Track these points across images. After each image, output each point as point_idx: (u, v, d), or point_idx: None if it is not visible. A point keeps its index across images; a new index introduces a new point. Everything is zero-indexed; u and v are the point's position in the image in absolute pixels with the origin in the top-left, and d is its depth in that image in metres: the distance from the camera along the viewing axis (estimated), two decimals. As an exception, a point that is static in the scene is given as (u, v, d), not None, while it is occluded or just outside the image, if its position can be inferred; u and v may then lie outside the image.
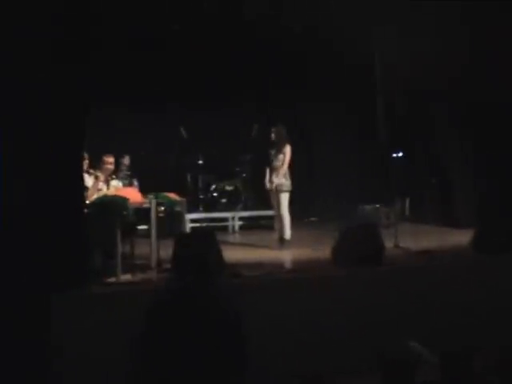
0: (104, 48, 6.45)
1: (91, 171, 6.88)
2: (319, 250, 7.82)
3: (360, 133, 12.21)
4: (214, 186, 11.91)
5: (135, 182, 7.02)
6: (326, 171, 12.63)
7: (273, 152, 8.71)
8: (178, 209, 7.03)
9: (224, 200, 11.83)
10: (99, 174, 6.85)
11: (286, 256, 7.94)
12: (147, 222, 6.73)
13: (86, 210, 5.94)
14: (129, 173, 10.65)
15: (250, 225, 11.73)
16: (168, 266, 6.30)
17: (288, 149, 8.58)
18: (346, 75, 10.62)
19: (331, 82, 11.02)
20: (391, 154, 10.26)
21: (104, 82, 9.36)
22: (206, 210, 11.68)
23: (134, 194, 6.61)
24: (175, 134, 11.38)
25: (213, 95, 11.40)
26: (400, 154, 9.73)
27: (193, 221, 11.13)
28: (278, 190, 8.50)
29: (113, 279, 6.01)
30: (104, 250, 6.28)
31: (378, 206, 11.15)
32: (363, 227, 6.89)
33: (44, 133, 5.01)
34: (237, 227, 11.46)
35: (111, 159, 7.17)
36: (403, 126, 11.23)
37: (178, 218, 9.51)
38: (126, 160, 10.92)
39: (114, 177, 7.26)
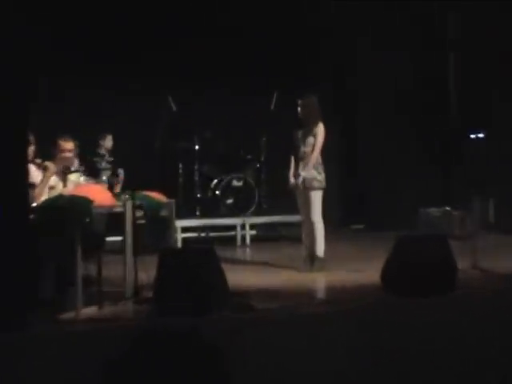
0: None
1: (38, 161, 6.87)
2: (363, 271, 7.87)
3: (423, 106, 12.17)
4: (216, 181, 11.91)
5: (121, 173, 6.96)
6: (375, 161, 12.62)
7: (300, 133, 8.67)
8: (163, 213, 7.00)
9: (230, 200, 11.84)
10: (50, 164, 6.82)
11: (317, 281, 7.94)
12: (120, 232, 6.73)
13: (31, 217, 5.89)
14: (111, 159, 10.74)
15: (266, 235, 11.76)
16: (149, 294, 6.28)
17: (321, 129, 8.53)
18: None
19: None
20: (468, 135, 10.19)
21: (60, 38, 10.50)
22: (205, 215, 11.73)
23: (100, 194, 6.58)
24: (161, 108, 11.45)
25: (214, 57, 11.63)
26: (481, 135, 9.63)
27: (186, 229, 11.18)
28: (306, 187, 8.48)
29: (71, 314, 5.99)
30: (59, 272, 6.25)
31: (448, 209, 11.10)
32: (427, 239, 6.88)
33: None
34: (248, 238, 11.48)
35: (69, 145, 7.14)
36: (486, 95, 11.19)
37: (164, 227, 9.51)
38: (108, 141, 11.01)
39: (73, 169, 7.23)
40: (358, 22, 12.26)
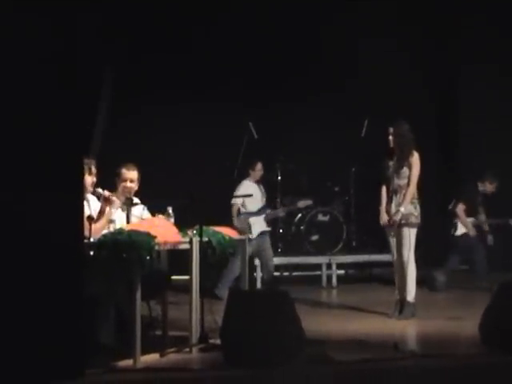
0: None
1: (100, 191, 6.73)
2: (461, 319, 7.70)
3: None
4: (299, 216, 11.84)
5: (170, 211, 6.88)
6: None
7: (392, 164, 8.51)
8: (231, 250, 6.91)
9: (315, 237, 11.74)
10: (111, 195, 6.76)
11: (407, 329, 7.78)
12: (187, 270, 6.62)
13: (89, 253, 5.90)
14: None
15: (355, 275, 11.73)
16: (217, 340, 6.24)
17: (416, 160, 8.36)
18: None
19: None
20: None
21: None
22: (288, 252, 11.65)
23: (165, 229, 6.45)
24: (240, 135, 11.49)
25: (298, 78, 11.67)
26: None
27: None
28: (401, 224, 8.30)
29: (129, 361, 5.93)
30: (117, 316, 6.24)
31: None
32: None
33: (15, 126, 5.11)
34: (334, 279, 11.35)
35: (133, 174, 7.08)
36: None
37: (235, 266, 9.42)
38: None
39: (136, 201, 7.15)
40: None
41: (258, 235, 10.13)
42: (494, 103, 11.91)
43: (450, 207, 10.69)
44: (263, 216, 10.27)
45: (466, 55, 12.35)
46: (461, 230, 10.54)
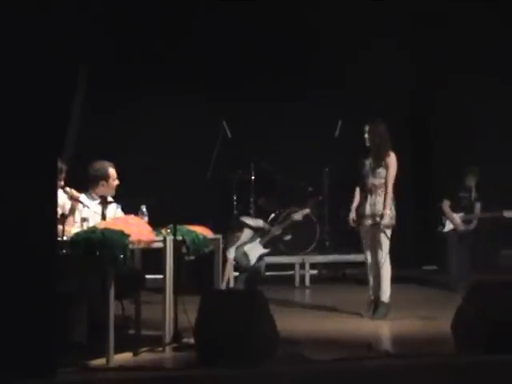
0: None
1: (68, 190, 6.68)
2: (433, 319, 7.73)
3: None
4: (273, 215, 11.77)
5: (143, 209, 6.83)
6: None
7: (367, 163, 8.50)
8: (206, 249, 6.88)
9: (288, 236, 11.67)
10: (87, 194, 6.72)
11: (380, 329, 7.80)
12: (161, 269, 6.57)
13: (62, 252, 5.84)
14: None
15: (328, 275, 11.67)
16: (191, 340, 6.23)
17: (393, 160, 8.36)
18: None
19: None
20: None
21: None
22: (262, 252, 11.62)
23: (139, 227, 6.41)
24: (213, 134, 11.46)
25: (272, 77, 11.65)
26: None
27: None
28: (375, 224, 8.32)
29: (102, 360, 5.91)
30: (90, 314, 6.22)
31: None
32: (508, 285, 6.56)
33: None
34: (307, 279, 11.33)
35: (112, 170, 7.04)
36: None
37: (208, 265, 9.39)
38: None
39: (110, 200, 7.09)
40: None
41: (257, 260, 10.13)
42: (470, 102, 11.94)
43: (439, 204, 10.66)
44: (257, 240, 10.25)
45: (443, 55, 12.37)
46: (449, 226, 10.50)
